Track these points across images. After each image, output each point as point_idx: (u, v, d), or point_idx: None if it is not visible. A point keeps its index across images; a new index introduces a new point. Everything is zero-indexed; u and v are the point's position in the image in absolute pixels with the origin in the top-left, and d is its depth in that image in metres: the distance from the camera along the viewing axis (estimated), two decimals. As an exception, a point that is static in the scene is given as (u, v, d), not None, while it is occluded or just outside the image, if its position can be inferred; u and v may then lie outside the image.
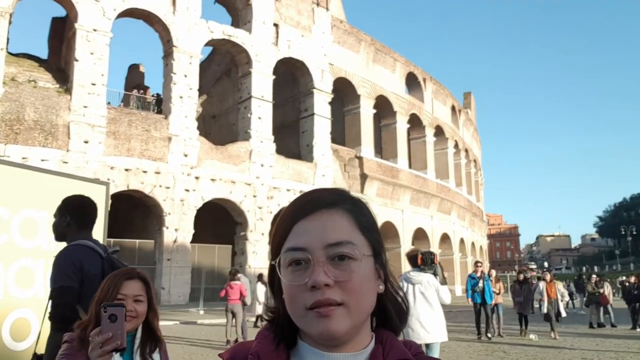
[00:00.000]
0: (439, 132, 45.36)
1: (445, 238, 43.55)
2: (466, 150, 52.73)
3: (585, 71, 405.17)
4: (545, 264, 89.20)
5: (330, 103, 33.46)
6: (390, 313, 0.95)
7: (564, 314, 14.35)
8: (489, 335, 13.60)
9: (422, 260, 6.88)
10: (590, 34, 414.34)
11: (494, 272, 15.32)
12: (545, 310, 13.92)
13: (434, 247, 40.84)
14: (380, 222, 35.21)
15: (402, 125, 39.83)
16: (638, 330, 15.87)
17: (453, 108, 49.45)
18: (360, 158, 34.76)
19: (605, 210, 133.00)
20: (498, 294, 14.32)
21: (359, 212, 0.93)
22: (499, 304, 14.26)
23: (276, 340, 0.91)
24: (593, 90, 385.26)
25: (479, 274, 13.94)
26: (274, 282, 0.93)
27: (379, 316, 0.95)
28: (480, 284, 13.66)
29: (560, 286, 14.73)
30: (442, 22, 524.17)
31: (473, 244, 51.21)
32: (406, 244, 36.29)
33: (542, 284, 14.49)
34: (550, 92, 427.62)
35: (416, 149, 43.17)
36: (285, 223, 0.91)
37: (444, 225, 43.12)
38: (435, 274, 6.91)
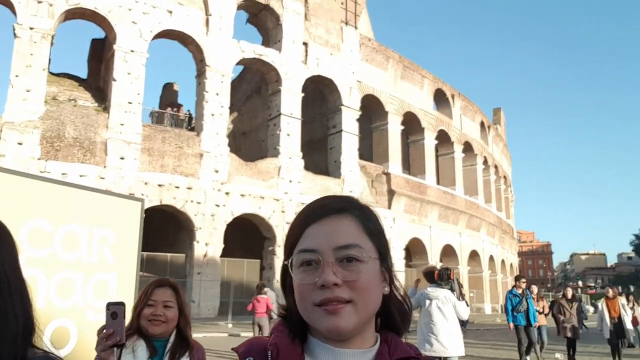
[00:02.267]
0: (468, 148, 45.09)
1: (474, 255, 43.00)
2: (495, 167, 52.18)
3: (619, 88, 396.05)
4: (579, 284, 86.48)
5: (358, 120, 33.79)
6: (393, 314, 1.01)
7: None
8: None
9: (439, 276, 7.11)
10: (627, 49, 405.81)
11: (535, 289, 13.12)
12: (608, 335, 12.01)
13: (462, 264, 40.44)
14: (407, 238, 35.17)
15: (430, 141, 39.83)
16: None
17: (482, 124, 49.12)
18: (387, 174, 34.86)
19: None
20: (542, 313, 12.45)
21: (366, 218, 1.00)
22: (542, 325, 12.38)
23: (291, 335, 0.98)
24: (629, 106, 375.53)
25: (520, 291, 11.48)
26: (285, 282, 1.01)
27: (382, 317, 1.01)
28: (525, 303, 11.37)
29: (623, 300, 12.93)
30: (472, 39, 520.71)
31: (503, 261, 50.40)
32: (434, 261, 36.03)
33: (600, 303, 12.85)
34: (585, 108, 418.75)
35: (444, 165, 42.99)
36: (297, 227, 0.99)
37: (472, 242, 42.65)
38: (452, 290, 7.13)
